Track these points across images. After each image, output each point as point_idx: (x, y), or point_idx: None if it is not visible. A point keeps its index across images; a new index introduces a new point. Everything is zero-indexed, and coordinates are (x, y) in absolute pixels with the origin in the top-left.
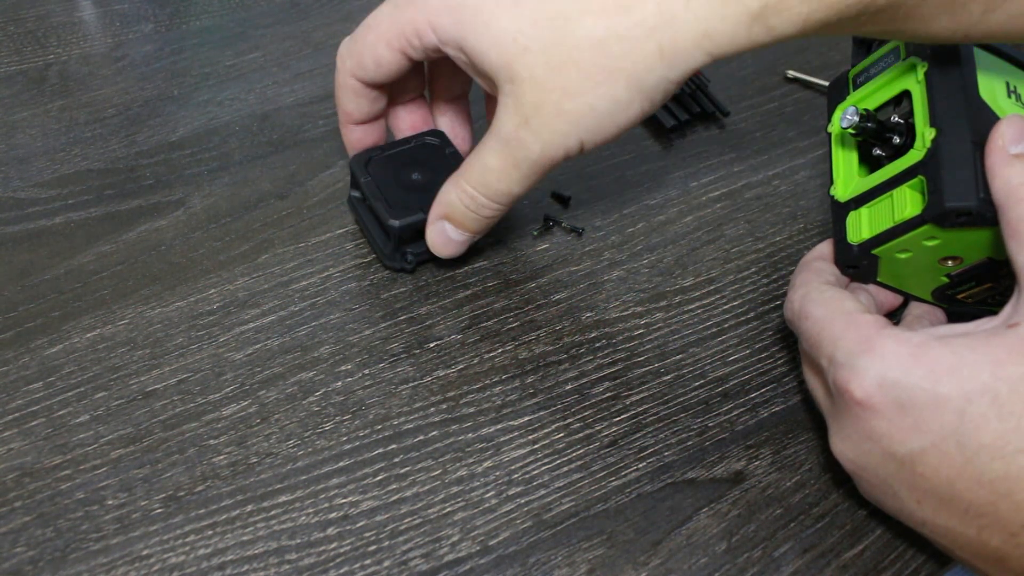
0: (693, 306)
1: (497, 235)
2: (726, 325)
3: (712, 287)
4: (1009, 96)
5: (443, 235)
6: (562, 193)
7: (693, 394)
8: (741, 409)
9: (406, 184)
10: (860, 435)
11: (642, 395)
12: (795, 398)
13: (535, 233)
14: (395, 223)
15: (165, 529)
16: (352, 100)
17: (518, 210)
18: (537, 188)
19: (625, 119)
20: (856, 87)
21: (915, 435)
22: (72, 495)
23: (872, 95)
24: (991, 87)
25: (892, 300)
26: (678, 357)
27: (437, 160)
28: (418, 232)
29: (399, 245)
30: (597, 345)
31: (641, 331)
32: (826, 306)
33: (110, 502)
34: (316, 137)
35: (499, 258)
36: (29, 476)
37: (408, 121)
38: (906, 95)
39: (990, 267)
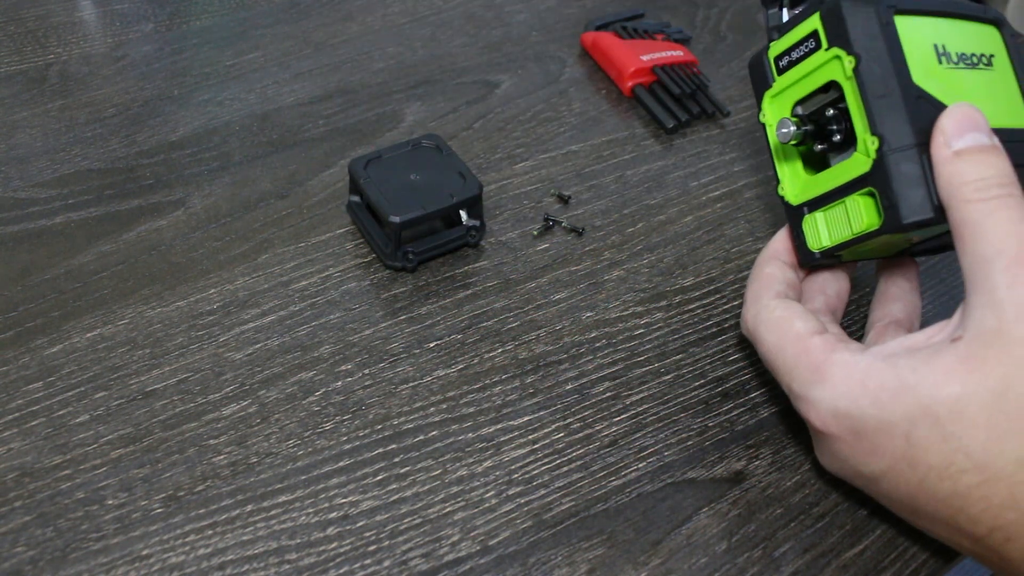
0: (693, 306)
1: (497, 235)
2: (726, 325)
3: (712, 287)
4: (940, 62)
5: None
6: (562, 193)
7: (693, 394)
8: (741, 409)
9: (405, 184)
10: (831, 455)
11: (642, 395)
12: None
13: (535, 233)
14: (396, 219)
15: (165, 529)
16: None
17: (518, 210)
18: (537, 188)
19: None
20: (780, 71)
21: (873, 458)
22: (72, 495)
23: (797, 84)
24: (923, 62)
25: (845, 288)
26: (678, 357)
27: (434, 161)
28: (419, 229)
29: (400, 243)
30: (597, 345)
31: (641, 331)
32: (776, 331)
33: (110, 502)
34: (316, 137)
35: (499, 258)
36: (29, 476)
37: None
38: (834, 84)
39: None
